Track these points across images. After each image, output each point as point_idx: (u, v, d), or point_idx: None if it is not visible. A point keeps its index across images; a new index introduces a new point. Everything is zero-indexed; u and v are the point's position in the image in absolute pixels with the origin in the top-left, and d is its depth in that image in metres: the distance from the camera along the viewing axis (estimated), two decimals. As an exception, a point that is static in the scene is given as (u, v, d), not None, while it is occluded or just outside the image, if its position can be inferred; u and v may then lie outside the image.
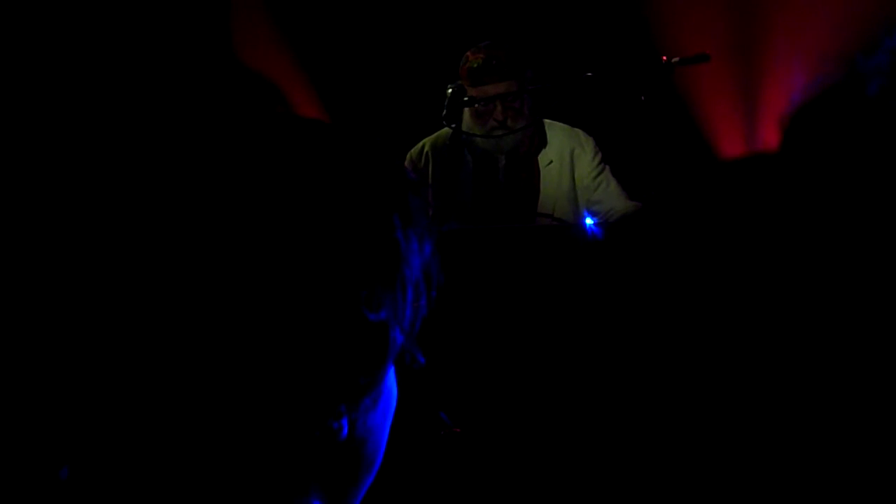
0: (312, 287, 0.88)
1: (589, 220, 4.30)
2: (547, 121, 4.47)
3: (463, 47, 4.37)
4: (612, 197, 4.34)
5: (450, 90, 4.21)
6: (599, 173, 4.38)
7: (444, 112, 4.19)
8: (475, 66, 4.23)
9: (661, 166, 4.62)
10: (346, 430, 0.93)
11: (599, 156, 4.40)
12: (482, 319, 3.53)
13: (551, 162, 4.38)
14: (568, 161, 4.38)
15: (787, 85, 4.82)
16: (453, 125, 4.22)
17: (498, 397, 3.51)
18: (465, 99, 4.21)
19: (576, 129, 4.46)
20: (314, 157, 0.92)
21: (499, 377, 3.51)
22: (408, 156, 4.47)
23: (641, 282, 3.38)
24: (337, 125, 0.96)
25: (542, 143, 4.42)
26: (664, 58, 4.05)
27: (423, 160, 4.44)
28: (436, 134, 4.49)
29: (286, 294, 0.87)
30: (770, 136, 5.01)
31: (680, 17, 5.09)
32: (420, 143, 4.49)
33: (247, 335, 0.87)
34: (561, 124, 4.47)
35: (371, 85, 5.63)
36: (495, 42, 4.31)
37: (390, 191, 0.93)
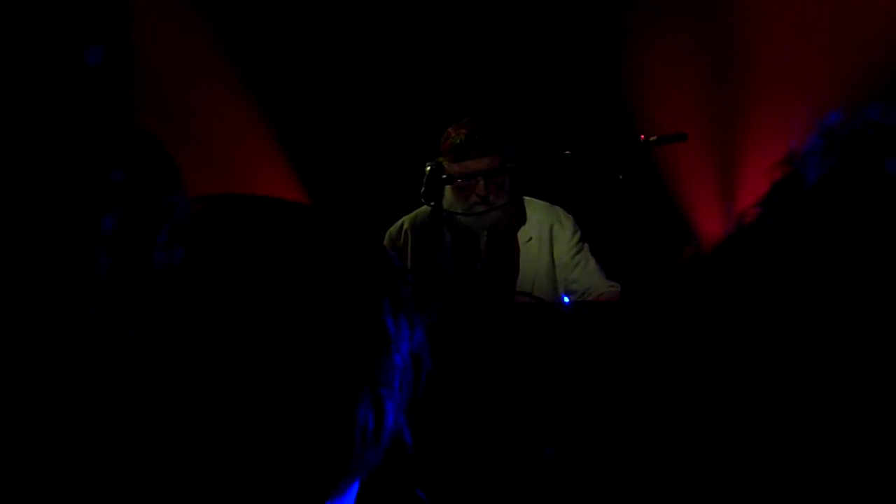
0: (299, 374, 0.87)
1: (566, 298, 4.30)
2: (527, 198, 4.47)
3: (440, 125, 4.39)
4: (590, 276, 4.33)
5: (428, 168, 4.21)
6: (578, 252, 4.38)
7: (423, 190, 4.19)
8: (458, 141, 4.23)
9: (639, 245, 4.62)
10: None
11: (578, 234, 4.41)
12: (462, 397, 3.50)
13: (531, 239, 4.38)
14: (547, 238, 4.38)
15: (766, 162, 4.85)
16: (432, 203, 4.22)
17: (476, 476, 3.47)
18: (444, 177, 4.21)
19: (555, 207, 4.47)
20: (304, 246, 0.91)
21: (475, 455, 3.48)
22: (387, 234, 4.45)
23: (620, 360, 3.37)
24: (325, 210, 0.96)
25: (522, 219, 4.42)
26: (642, 136, 4.07)
27: (402, 238, 4.42)
28: (415, 212, 4.48)
29: (271, 383, 0.87)
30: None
31: (658, 97, 5.13)
32: (399, 222, 4.48)
33: (233, 418, 0.86)
34: (541, 201, 4.47)
35: (349, 162, 5.63)
36: (477, 118, 4.32)
37: (380, 277, 0.92)
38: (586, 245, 4.40)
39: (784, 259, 0.81)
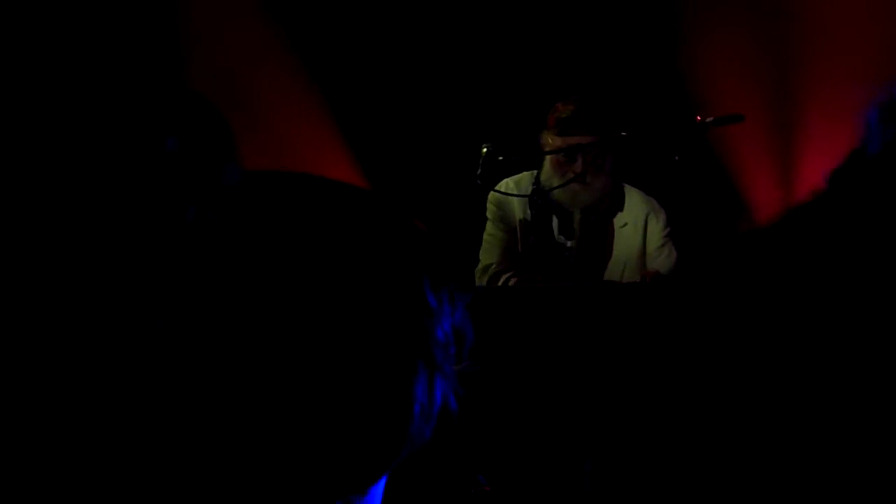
0: (340, 350, 0.88)
1: None
2: (626, 185, 4.45)
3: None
4: (671, 266, 4.32)
5: (484, 150, 4.21)
6: (664, 244, 4.37)
7: (479, 171, 4.20)
8: (564, 116, 4.23)
9: (695, 226, 4.61)
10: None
11: (668, 229, 4.39)
12: (518, 376, 3.52)
13: (626, 224, 4.37)
14: (642, 226, 4.37)
15: (823, 142, 4.82)
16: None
17: (526, 457, 3.49)
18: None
19: (651, 197, 4.45)
20: (343, 223, 0.92)
21: (530, 438, 3.49)
22: (490, 195, 4.44)
23: (677, 344, 3.36)
24: (365, 189, 0.96)
25: (619, 205, 4.40)
26: (698, 118, 4.06)
27: (507, 199, 4.41)
28: (519, 175, 4.47)
29: (311, 360, 0.87)
30: (806, 191, 4.98)
31: (714, 77, 5.10)
32: (502, 182, 4.45)
33: (267, 396, 0.87)
34: (638, 190, 4.45)
35: (407, 143, 5.65)
36: (586, 95, 4.31)
37: (419, 253, 0.93)
38: (671, 241, 4.38)
39: (849, 225, 0.81)
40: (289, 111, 5.39)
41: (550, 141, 4.25)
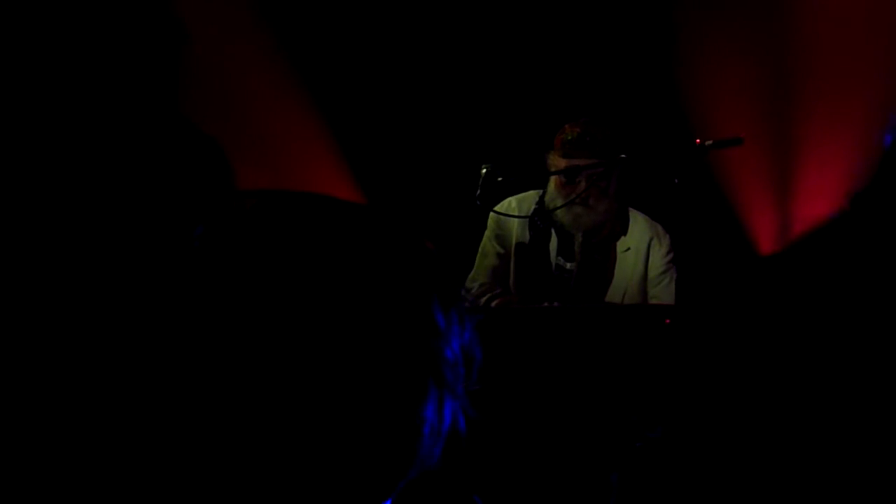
0: (350, 369, 0.88)
1: None
2: (632, 209, 4.45)
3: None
4: (669, 296, 4.32)
5: (484, 170, 4.21)
6: (665, 271, 4.37)
7: (479, 192, 4.20)
8: (569, 138, 4.25)
9: (694, 248, 4.62)
10: None
11: (671, 255, 4.39)
12: (518, 398, 3.52)
13: (629, 249, 4.37)
14: (644, 251, 4.37)
15: (822, 166, 4.83)
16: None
17: (527, 481, 3.48)
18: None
19: (656, 223, 4.45)
20: (351, 241, 0.92)
21: (529, 462, 3.49)
22: (491, 215, 4.44)
23: (678, 368, 3.37)
24: (372, 207, 0.97)
25: (623, 229, 4.41)
26: (697, 140, 4.06)
27: (507, 218, 4.41)
28: (523, 194, 4.48)
29: (321, 379, 0.87)
30: (805, 214, 5.01)
31: (714, 100, 5.11)
32: (507, 200, 4.47)
33: (281, 414, 0.87)
34: (644, 215, 4.46)
35: (405, 161, 5.66)
36: (594, 119, 4.32)
37: (428, 273, 0.93)
38: (674, 268, 4.38)
39: (887, 245, 0.81)
40: (288, 130, 5.40)
41: (555, 162, 4.27)
